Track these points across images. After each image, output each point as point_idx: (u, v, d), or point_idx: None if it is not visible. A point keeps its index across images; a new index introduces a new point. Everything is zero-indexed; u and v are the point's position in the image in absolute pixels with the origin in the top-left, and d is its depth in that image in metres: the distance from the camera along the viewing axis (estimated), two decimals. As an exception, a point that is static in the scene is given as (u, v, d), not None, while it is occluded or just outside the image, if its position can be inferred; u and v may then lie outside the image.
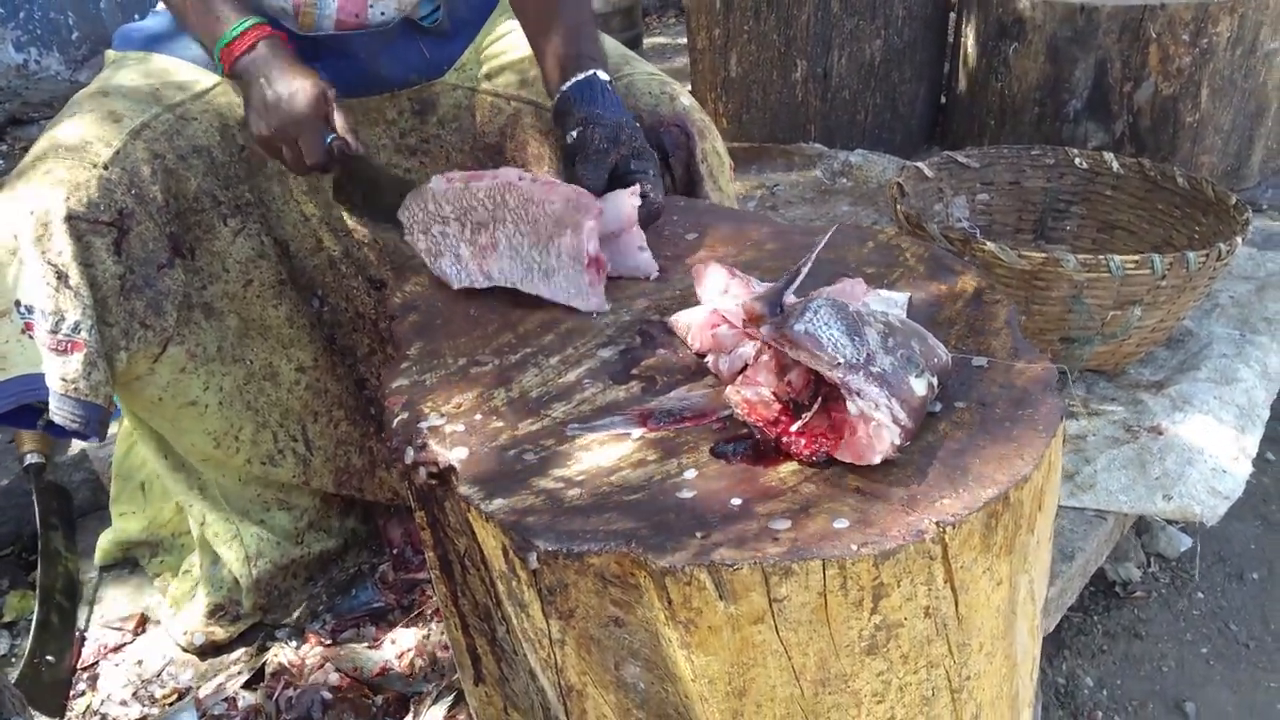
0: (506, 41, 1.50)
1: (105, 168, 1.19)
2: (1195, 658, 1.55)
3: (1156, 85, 2.39)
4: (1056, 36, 2.44)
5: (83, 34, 4.04)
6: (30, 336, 1.15)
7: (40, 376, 1.16)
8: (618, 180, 1.19)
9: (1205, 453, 1.53)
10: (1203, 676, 1.52)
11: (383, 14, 1.38)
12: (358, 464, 1.51)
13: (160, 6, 1.43)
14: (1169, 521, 1.70)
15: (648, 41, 4.59)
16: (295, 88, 1.20)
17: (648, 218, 1.18)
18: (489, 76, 1.48)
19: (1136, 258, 1.51)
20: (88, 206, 1.16)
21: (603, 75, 1.26)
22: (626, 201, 1.15)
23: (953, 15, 2.90)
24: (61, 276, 1.14)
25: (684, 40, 3.08)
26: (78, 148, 1.19)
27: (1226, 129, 2.46)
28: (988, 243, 1.54)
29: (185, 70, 1.34)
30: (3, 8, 3.84)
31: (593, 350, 1.03)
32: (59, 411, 1.15)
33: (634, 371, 0.99)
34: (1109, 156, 1.91)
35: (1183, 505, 1.47)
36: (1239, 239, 1.58)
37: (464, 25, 1.49)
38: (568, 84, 1.25)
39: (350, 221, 1.40)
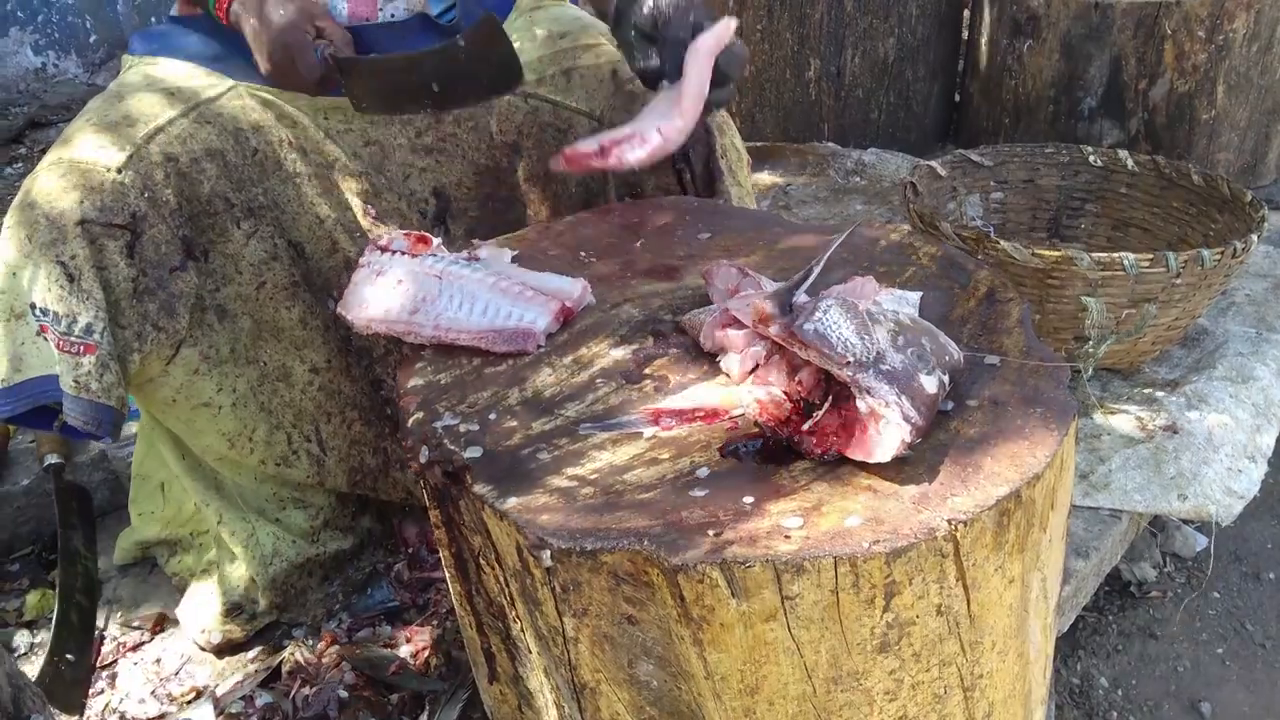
0: (523, 41, 1.50)
1: (119, 171, 1.20)
2: (1211, 658, 1.54)
3: (1172, 82, 2.38)
4: (1071, 33, 2.43)
5: (100, 37, 4.07)
6: (45, 339, 1.17)
7: (55, 378, 1.17)
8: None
9: (1221, 452, 1.53)
10: (1218, 676, 1.51)
11: (393, 15, 1.39)
12: (372, 464, 1.52)
13: (176, 10, 1.44)
14: (1184, 521, 1.69)
15: (661, 41, 4.58)
16: (279, 14, 1.23)
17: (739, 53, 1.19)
18: None
19: (1151, 255, 1.50)
20: (101, 210, 1.18)
21: None
22: (720, 25, 1.16)
23: (966, 13, 2.90)
24: (74, 279, 1.16)
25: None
26: (92, 152, 1.21)
27: (1243, 126, 2.45)
28: (1001, 241, 1.54)
29: (199, 75, 1.35)
30: (21, 12, 3.88)
31: (605, 350, 1.04)
32: (72, 413, 1.17)
33: (646, 371, 0.99)
34: (1123, 154, 1.90)
35: (1198, 505, 1.46)
36: (1255, 237, 1.57)
37: None
38: None
39: (365, 222, 1.41)
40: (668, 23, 1.18)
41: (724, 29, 1.17)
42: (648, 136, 1.14)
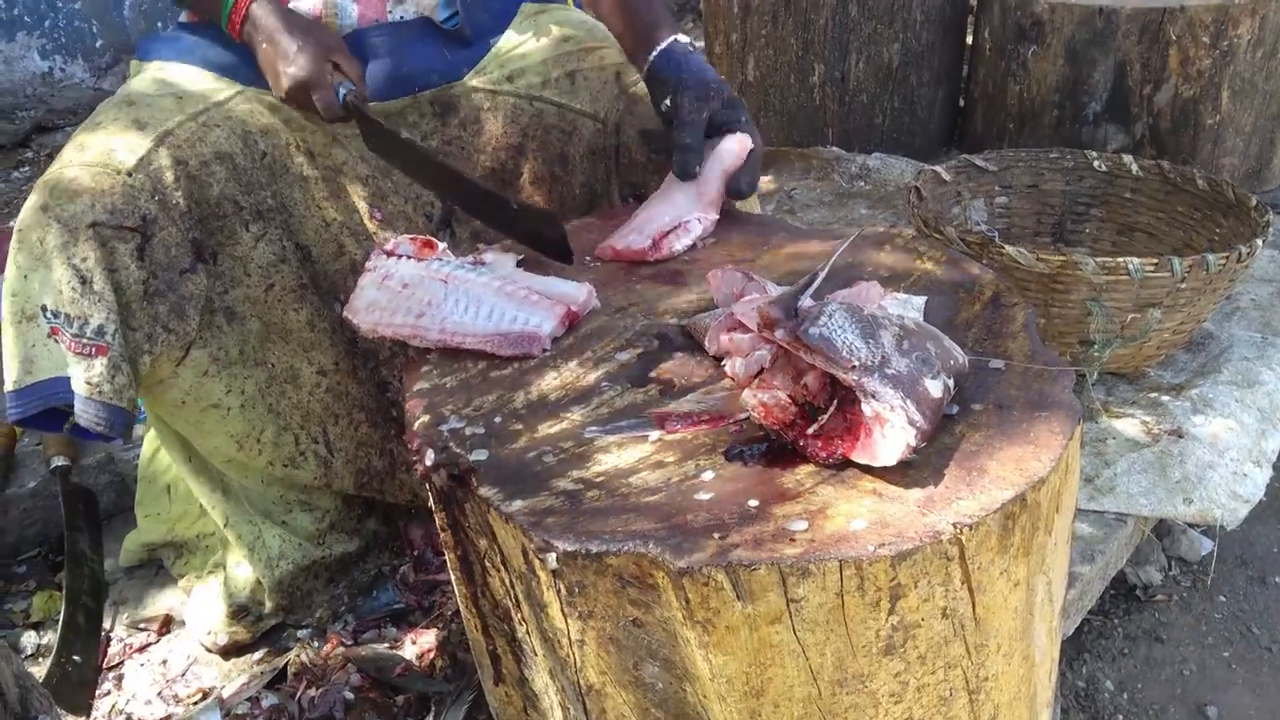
0: (527, 44, 1.51)
1: (130, 174, 1.21)
2: (1217, 661, 1.54)
3: (1176, 87, 2.38)
4: (1075, 39, 2.43)
5: (107, 42, 4.08)
6: (57, 341, 1.17)
7: (66, 380, 1.18)
8: (714, 132, 1.31)
9: (1226, 456, 1.52)
10: (1224, 680, 1.51)
11: (401, 16, 1.40)
12: (378, 466, 1.52)
13: (184, 17, 1.45)
14: (1190, 525, 1.69)
15: (665, 46, 4.58)
16: (296, 47, 1.28)
17: (755, 166, 1.31)
18: (510, 78, 1.49)
19: (1156, 260, 1.50)
20: (112, 213, 1.18)
21: (682, 39, 1.36)
22: (735, 143, 1.29)
23: (971, 18, 2.90)
24: (86, 281, 1.17)
25: (702, 44, 3.09)
26: (103, 155, 1.22)
27: (1248, 131, 2.45)
28: (1006, 246, 1.54)
29: (207, 79, 1.36)
30: (28, 16, 3.89)
31: (611, 353, 1.04)
32: (84, 414, 1.18)
33: (652, 375, 1.00)
34: (1128, 159, 1.90)
35: (1203, 509, 1.46)
36: (1260, 241, 1.57)
37: (483, 30, 1.51)
38: (652, 54, 1.35)
39: (371, 225, 1.42)
40: (682, 126, 1.29)
41: (740, 149, 1.29)
42: (691, 226, 1.26)
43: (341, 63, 1.30)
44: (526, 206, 1.31)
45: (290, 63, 1.28)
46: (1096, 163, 1.93)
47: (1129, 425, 1.61)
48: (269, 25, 1.29)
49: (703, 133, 1.30)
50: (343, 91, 1.29)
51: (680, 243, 1.24)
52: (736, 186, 1.29)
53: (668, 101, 1.32)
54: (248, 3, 1.30)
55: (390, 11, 1.40)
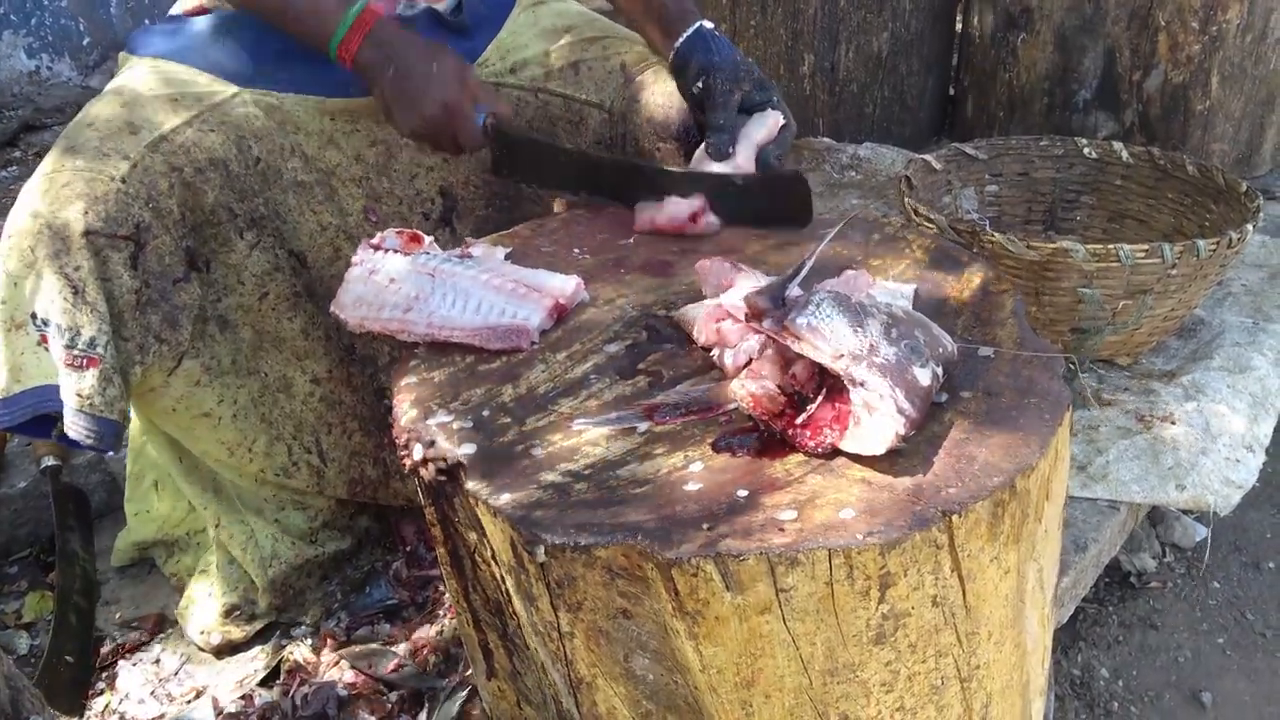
0: (528, 35, 1.51)
1: (123, 181, 1.19)
2: (1212, 648, 1.55)
3: (1166, 74, 2.38)
4: (1064, 26, 2.43)
5: (94, 39, 4.06)
6: (46, 349, 1.16)
7: (55, 388, 1.16)
8: (746, 112, 1.31)
9: (1219, 442, 1.52)
10: (1219, 666, 1.52)
11: (410, 10, 1.39)
12: (372, 475, 1.52)
13: (177, 9, 1.43)
14: (1183, 511, 1.69)
15: (656, 38, 4.58)
16: (435, 73, 1.20)
17: (787, 140, 1.32)
18: (513, 70, 1.48)
19: (1146, 246, 1.50)
20: (105, 221, 1.16)
21: (708, 24, 1.36)
22: (768, 119, 1.30)
23: (960, 6, 2.89)
24: (78, 291, 1.15)
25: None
26: (95, 160, 1.19)
27: (1237, 116, 2.44)
28: (996, 234, 1.54)
29: (202, 80, 1.33)
30: (14, 15, 3.87)
31: (599, 345, 1.03)
32: (74, 426, 1.16)
33: (640, 366, 0.99)
34: (1118, 146, 1.90)
35: (1196, 495, 1.46)
36: (1250, 226, 1.56)
37: (484, 22, 1.50)
38: (679, 40, 1.35)
39: (368, 227, 1.41)
40: (715, 108, 1.29)
41: (773, 123, 1.31)
42: None
43: (472, 87, 1.25)
44: (764, 176, 1.28)
45: (428, 93, 1.20)
46: (1087, 150, 1.92)
47: (1121, 412, 1.61)
48: (398, 49, 1.21)
49: (735, 113, 1.29)
50: (483, 117, 1.25)
51: (710, 220, 1.25)
52: (765, 158, 1.29)
53: (700, 84, 1.31)
54: (371, 22, 1.21)
55: (399, 6, 1.39)
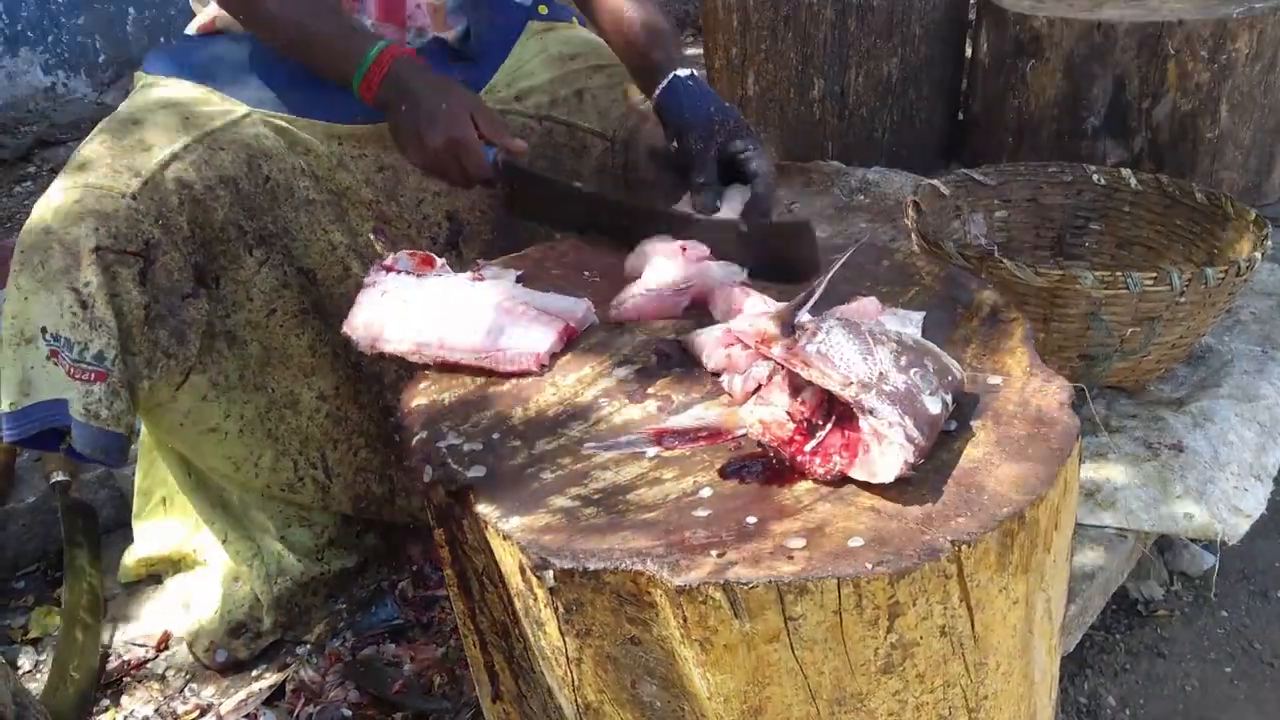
0: (535, 63, 1.52)
1: (134, 198, 1.20)
2: (1219, 677, 1.54)
3: (1175, 101, 2.38)
4: (1074, 53, 2.44)
5: (110, 57, 4.10)
6: (55, 363, 1.17)
7: (65, 402, 1.17)
8: (726, 164, 1.28)
9: (1227, 470, 1.52)
10: (1227, 696, 1.51)
11: (420, 37, 1.40)
12: (377, 492, 1.52)
13: (192, 30, 1.45)
14: (1191, 539, 1.68)
15: (666, 60, 4.59)
16: (444, 108, 1.22)
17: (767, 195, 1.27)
18: (518, 98, 1.50)
19: (1154, 274, 1.50)
20: (115, 238, 1.18)
21: (681, 73, 1.32)
22: (739, 193, 1.27)
23: (969, 32, 2.91)
24: (87, 306, 1.16)
25: (699, 52, 3.10)
26: (107, 177, 1.21)
27: (1247, 145, 2.45)
28: (1005, 260, 1.54)
29: (214, 99, 1.34)
30: (31, 31, 3.91)
31: (609, 369, 1.04)
32: (80, 440, 1.17)
33: (650, 390, 1.00)
34: (1126, 173, 1.90)
35: (1204, 523, 1.45)
36: (1259, 254, 1.57)
37: (491, 49, 1.51)
38: (655, 94, 1.33)
39: (379, 247, 1.42)
40: (693, 168, 1.27)
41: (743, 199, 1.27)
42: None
43: (483, 123, 1.25)
44: (774, 225, 1.27)
45: (435, 125, 1.22)
46: (1095, 177, 1.93)
47: (1129, 440, 1.60)
48: (412, 86, 1.23)
49: (715, 168, 1.27)
50: (493, 153, 1.26)
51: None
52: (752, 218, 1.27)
53: (675, 144, 1.30)
54: (389, 61, 1.23)
55: (408, 36, 1.40)
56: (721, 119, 1.29)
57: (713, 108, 1.30)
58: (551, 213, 1.35)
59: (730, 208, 1.26)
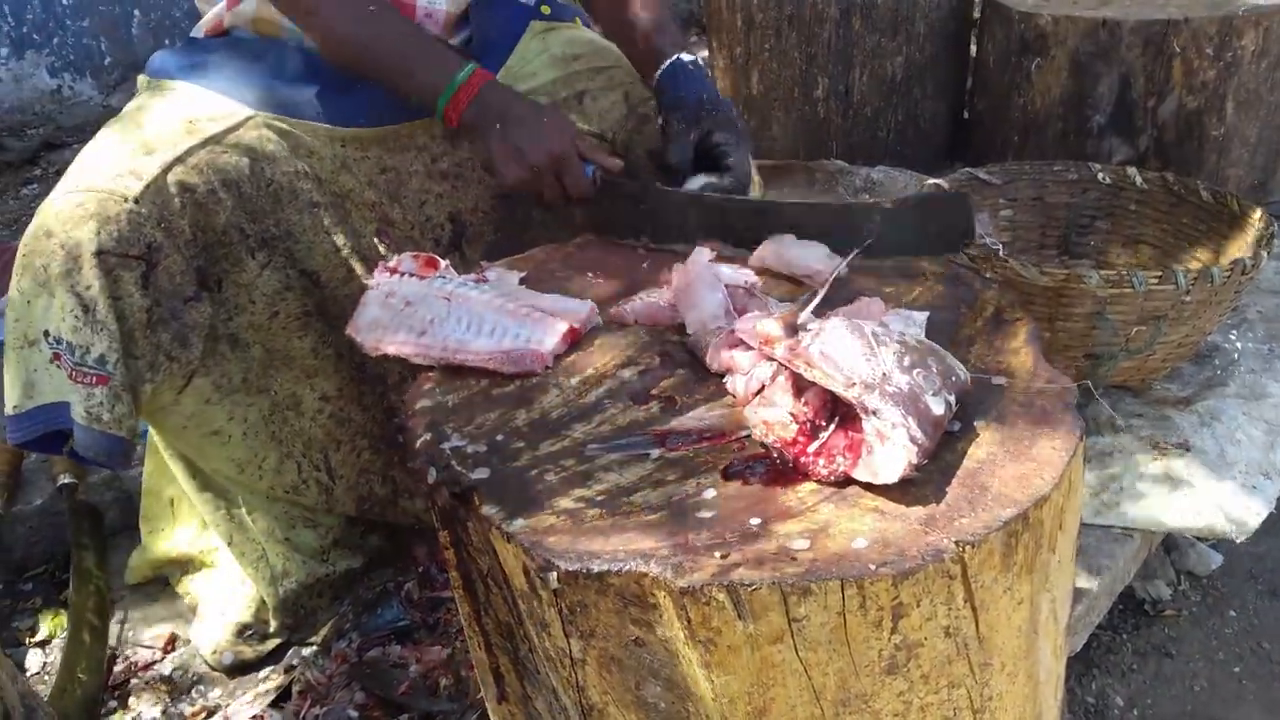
0: (537, 63, 1.52)
1: (136, 201, 1.20)
2: (1227, 677, 1.53)
3: (1180, 99, 2.37)
4: (1079, 51, 2.43)
5: (115, 59, 4.11)
6: (58, 366, 1.17)
7: (67, 405, 1.18)
8: (705, 154, 1.31)
9: (1234, 469, 1.52)
10: (1235, 696, 1.50)
11: None
12: (381, 493, 1.52)
13: (198, 31, 1.45)
14: (1198, 539, 1.68)
15: (670, 60, 4.59)
16: (544, 127, 1.25)
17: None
18: None
19: (1160, 272, 1.50)
20: (117, 241, 1.18)
21: (685, 57, 1.36)
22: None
23: (974, 31, 2.90)
24: (89, 310, 1.16)
25: (705, 54, 3.10)
26: (110, 180, 1.21)
27: (1253, 142, 2.44)
28: (1009, 259, 1.54)
29: (218, 103, 1.34)
30: (37, 34, 3.92)
31: (613, 371, 1.04)
32: (82, 443, 1.17)
33: (653, 392, 1.00)
34: (1132, 171, 1.89)
35: (1211, 522, 1.45)
36: (1265, 253, 1.56)
37: (492, 49, 1.51)
38: (656, 76, 1.36)
39: (382, 249, 1.42)
40: (668, 145, 1.31)
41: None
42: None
43: (580, 142, 1.29)
44: (931, 195, 1.26)
45: (540, 143, 1.24)
46: (1101, 175, 1.92)
47: (1135, 439, 1.60)
48: (507, 106, 1.26)
49: (688, 152, 1.29)
50: (590, 169, 1.28)
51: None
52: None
53: (661, 119, 1.34)
54: (479, 84, 1.26)
55: None
56: (711, 107, 1.31)
57: (705, 94, 1.32)
58: (655, 225, 1.29)
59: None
